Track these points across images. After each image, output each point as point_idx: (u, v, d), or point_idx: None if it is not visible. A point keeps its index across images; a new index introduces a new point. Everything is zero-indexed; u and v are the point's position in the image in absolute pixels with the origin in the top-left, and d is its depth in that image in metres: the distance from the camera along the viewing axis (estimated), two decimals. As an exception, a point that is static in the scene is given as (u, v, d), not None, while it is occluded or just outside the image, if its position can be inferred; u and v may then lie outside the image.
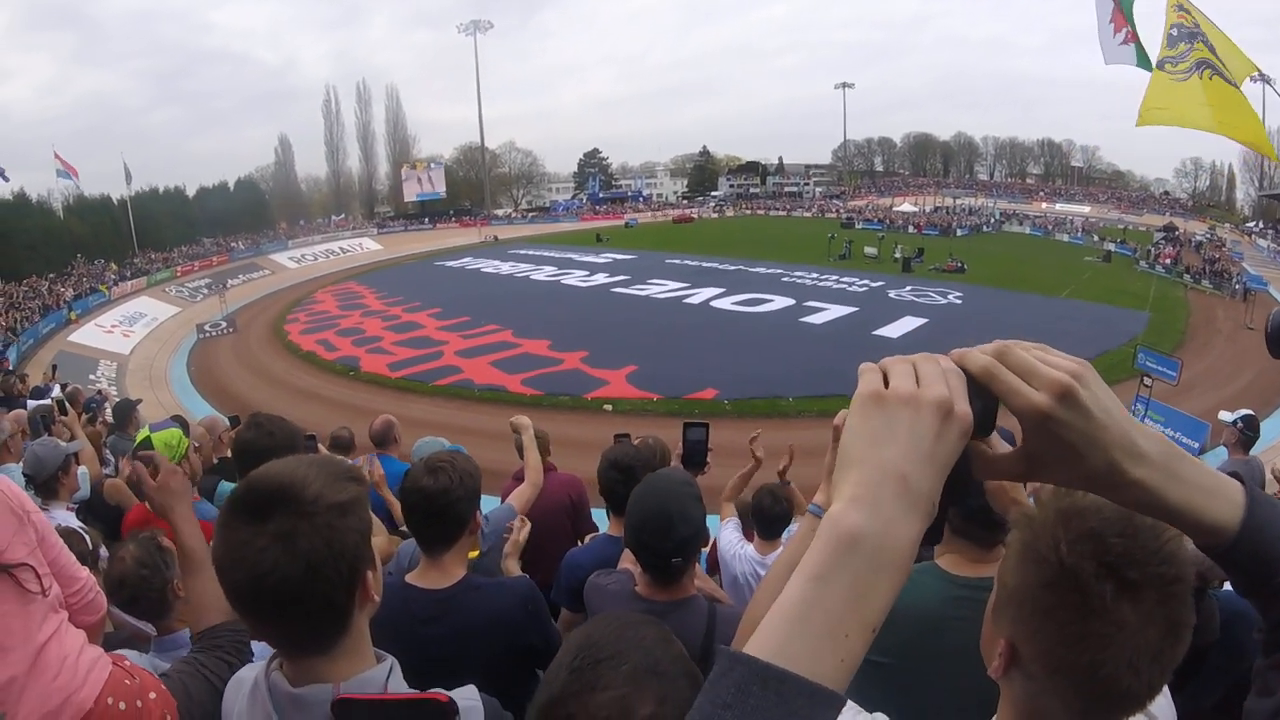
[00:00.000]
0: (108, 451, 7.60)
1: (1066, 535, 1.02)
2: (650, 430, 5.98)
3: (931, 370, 0.81)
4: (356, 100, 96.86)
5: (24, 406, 9.61)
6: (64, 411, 7.70)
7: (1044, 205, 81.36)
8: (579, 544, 4.18)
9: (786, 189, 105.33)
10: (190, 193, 73.47)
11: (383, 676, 1.44)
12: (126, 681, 1.86)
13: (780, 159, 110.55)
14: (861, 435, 0.79)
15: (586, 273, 45.73)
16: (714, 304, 33.97)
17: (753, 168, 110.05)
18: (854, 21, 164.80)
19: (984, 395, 0.82)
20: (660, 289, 38.21)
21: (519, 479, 5.18)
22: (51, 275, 48.31)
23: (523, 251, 59.86)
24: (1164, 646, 1.01)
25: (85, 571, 1.98)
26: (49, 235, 54.24)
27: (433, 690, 1.15)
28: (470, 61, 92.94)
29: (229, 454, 5.68)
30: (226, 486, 4.94)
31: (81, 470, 4.97)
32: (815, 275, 40.75)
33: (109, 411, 11.33)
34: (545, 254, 57.28)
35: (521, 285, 43.12)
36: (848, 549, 0.72)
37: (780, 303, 33.35)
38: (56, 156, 49.74)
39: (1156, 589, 0.99)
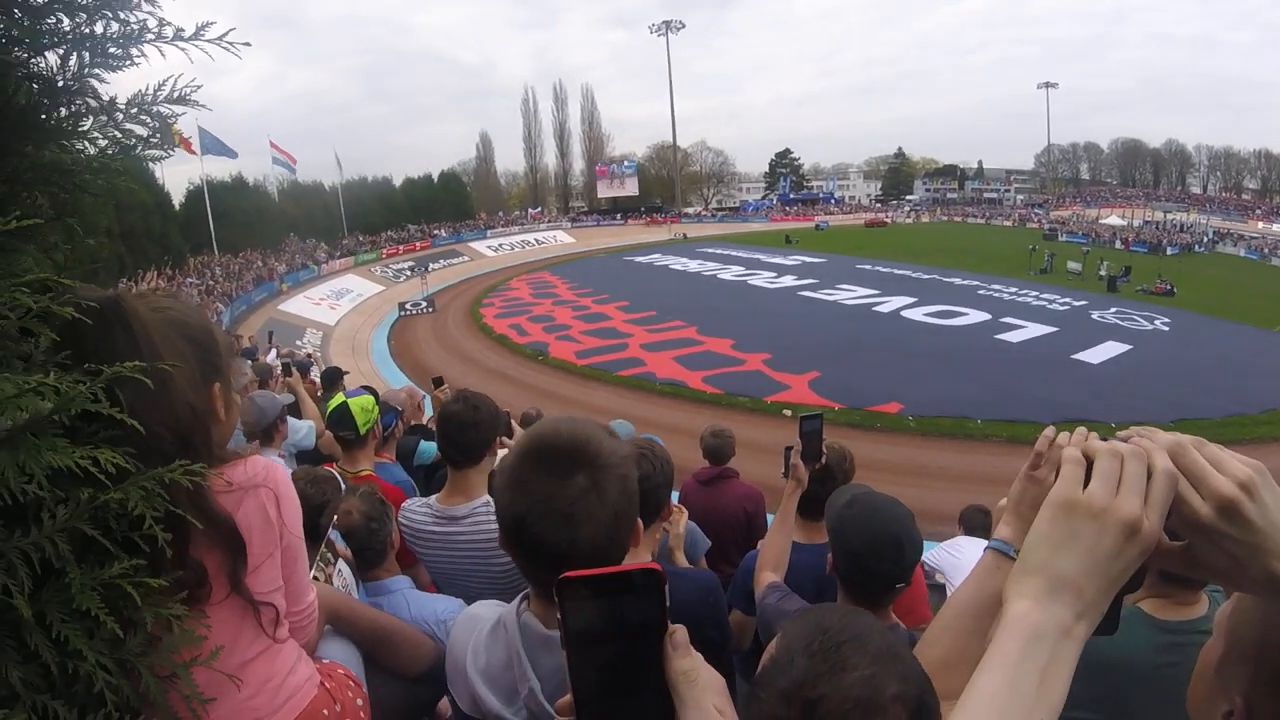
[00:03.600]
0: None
1: None
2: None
3: (1134, 474, 0.87)
4: (553, 99, 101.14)
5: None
6: (289, 373, 8.44)
7: (1260, 225, 73.29)
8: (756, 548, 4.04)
9: (986, 195, 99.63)
10: (396, 182, 78.70)
11: None
12: (325, 711, 1.84)
13: (980, 163, 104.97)
14: (1047, 541, 0.88)
15: (774, 274, 45.19)
16: (904, 314, 32.50)
17: (950, 171, 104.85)
18: (1053, 16, 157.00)
19: None
20: (849, 295, 37.13)
21: (698, 478, 5.17)
22: (266, 250, 52.84)
23: (711, 250, 59.91)
24: None
25: (312, 594, 1.94)
26: (264, 214, 59.33)
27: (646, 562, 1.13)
28: (663, 61, 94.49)
29: (423, 420, 5.97)
30: (427, 445, 5.38)
31: (307, 423, 5.40)
32: (1014, 290, 38.15)
33: (315, 373, 12.20)
34: (733, 253, 57.13)
35: (708, 284, 43.14)
36: (1031, 644, 0.83)
37: (975, 317, 31.43)
38: (272, 145, 54.16)
39: None
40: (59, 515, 1.22)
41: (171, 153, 1.42)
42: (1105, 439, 0.94)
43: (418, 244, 65.42)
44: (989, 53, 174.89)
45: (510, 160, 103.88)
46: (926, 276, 42.51)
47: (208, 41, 1.24)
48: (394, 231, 68.18)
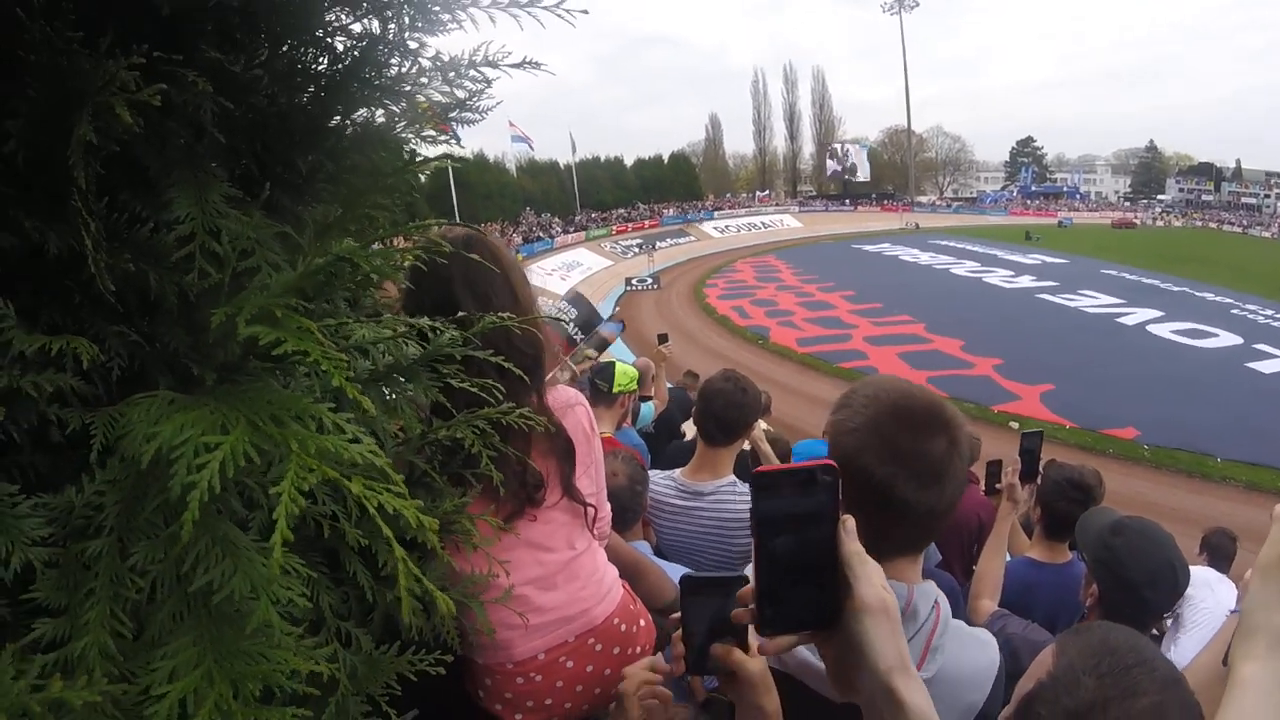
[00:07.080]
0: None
1: None
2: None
3: None
4: (783, 81, 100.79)
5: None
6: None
7: None
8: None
9: (1244, 199, 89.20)
10: (628, 162, 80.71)
11: (935, 592, 1.51)
12: (631, 606, 2.02)
13: (1238, 162, 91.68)
14: (1261, 602, 0.98)
15: (1011, 273, 42.47)
16: (1150, 328, 29.20)
17: (1205, 170, 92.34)
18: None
19: None
20: (1092, 302, 34.15)
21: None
22: (504, 221, 56.49)
23: (944, 243, 57.32)
24: None
25: (609, 507, 2.11)
26: (503, 189, 63.59)
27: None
28: (896, 41, 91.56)
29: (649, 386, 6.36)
30: (646, 407, 5.84)
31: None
32: (1271, 312, 32.66)
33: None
34: (968, 247, 54.30)
35: (940, 278, 41.42)
36: (1262, 700, 0.94)
37: (1226, 339, 27.50)
38: (511, 125, 57.17)
39: None
40: (389, 447, 1.29)
41: (485, 116, 1.48)
42: None
43: (646, 222, 67.54)
44: (1251, 35, 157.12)
45: (739, 143, 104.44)
46: (1176, 288, 37.97)
47: (543, 9, 1.26)
48: (624, 210, 70.62)
